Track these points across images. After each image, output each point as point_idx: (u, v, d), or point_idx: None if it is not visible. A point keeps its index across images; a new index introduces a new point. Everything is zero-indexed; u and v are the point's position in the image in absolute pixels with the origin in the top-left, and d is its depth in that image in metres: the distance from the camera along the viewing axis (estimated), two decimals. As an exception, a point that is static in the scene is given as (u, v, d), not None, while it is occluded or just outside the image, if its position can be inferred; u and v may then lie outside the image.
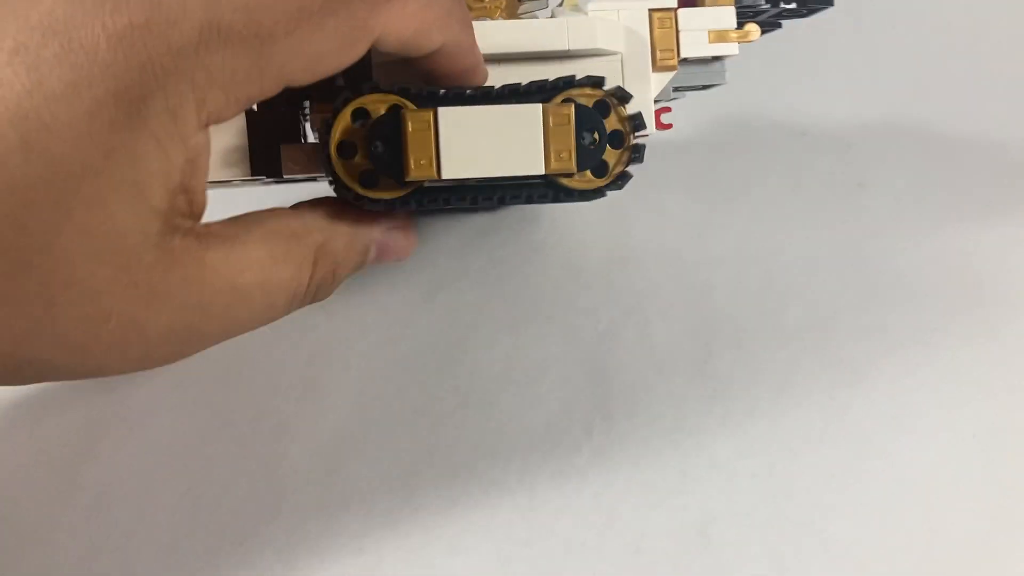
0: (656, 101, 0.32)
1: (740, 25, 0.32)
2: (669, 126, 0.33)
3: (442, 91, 0.27)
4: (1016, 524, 0.32)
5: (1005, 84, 0.58)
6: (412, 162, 0.26)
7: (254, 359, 0.36)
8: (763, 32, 0.34)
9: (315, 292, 0.25)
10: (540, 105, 0.26)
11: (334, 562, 0.30)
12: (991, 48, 0.58)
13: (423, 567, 0.30)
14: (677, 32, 0.31)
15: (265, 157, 0.29)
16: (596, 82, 0.28)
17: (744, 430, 0.35)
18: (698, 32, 0.31)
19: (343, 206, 0.27)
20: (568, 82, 0.27)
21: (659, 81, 0.31)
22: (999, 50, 0.58)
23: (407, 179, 0.26)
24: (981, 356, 0.39)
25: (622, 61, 0.30)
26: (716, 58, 0.33)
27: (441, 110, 0.26)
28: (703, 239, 0.45)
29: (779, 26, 0.35)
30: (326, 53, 0.22)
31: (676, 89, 0.34)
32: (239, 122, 0.29)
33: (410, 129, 0.26)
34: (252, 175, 0.30)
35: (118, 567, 0.29)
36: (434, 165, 0.26)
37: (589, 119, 0.27)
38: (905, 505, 0.33)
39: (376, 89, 0.27)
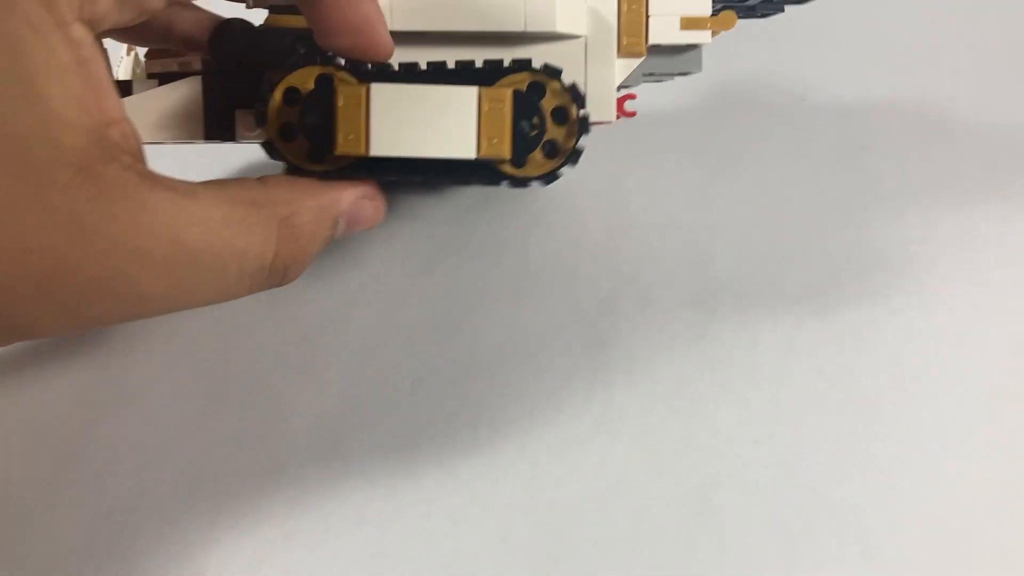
0: (624, 87, 0.31)
1: (716, 12, 0.30)
2: (633, 113, 0.32)
3: (371, 66, 0.26)
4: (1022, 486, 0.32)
5: (1007, 46, 0.57)
6: (341, 136, 0.25)
7: (252, 332, 0.35)
8: (764, 16, 0.33)
9: (283, 272, 0.23)
10: (476, 88, 0.26)
11: (336, 534, 0.30)
12: (993, 11, 0.57)
13: (425, 538, 0.30)
14: (647, 16, 0.29)
15: (220, 122, 0.29)
16: (524, 65, 0.26)
17: (746, 397, 0.35)
18: (670, 17, 0.30)
19: (310, 179, 0.26)
20: (497, 69, 0.26)
21: (625, 67, 0.30)
22: (1001, 14, 0.57)
23: (336, 153, 0.25)
24: (985, 319, 0.39)
25: (585, 45, 0.29)
26: (689, 46, 0.31)
27: (374, 86, 0.25)
28: (703, 206, 0.45)
29: (781, 10, 0.33)
30: None
31: (648, 75, 0.32)
32: (195, 85, 0.29)
33: (340, 103, 0.25)
34: (206, 139, 0.29)
35: (119, 541, 0.29)
36: (363, 141, 0.25)
37: (527, 105, 0.26)
38: (909, 469, 0.33)
39: (307, 61, 0.26)
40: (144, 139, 0.25)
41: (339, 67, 0.26)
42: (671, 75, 0.32)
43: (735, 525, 0.31)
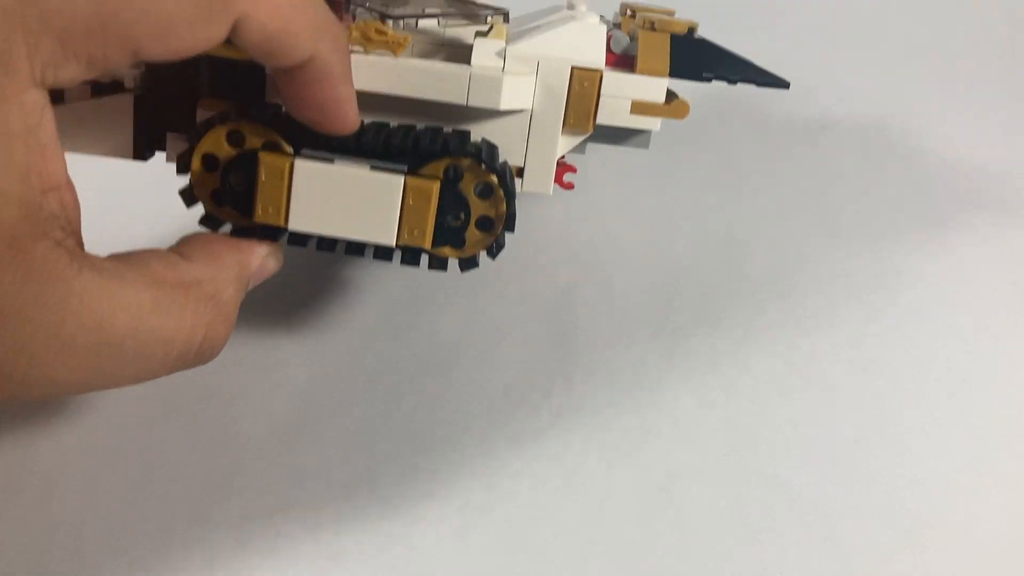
0: (562, 158, 0.30)
1: (671, 99, 0.29)
2: (570, 186, 0.31)
3: (309, 136, 0.25)
4: (985, 465, 0.32)
5: (969, 20, 0.57)
6: (260, 207, 0.25)
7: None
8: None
9: (210, 351, 0.23)
10: (403, 178, 0.25)
11: (289, 537, 0.29)
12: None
13: (382, 537, 0.30)
14: (598, 96, 0.28)
15: (150, 143, 0.28)
16: (455, 149, 0.26)
17: (705, 384, 0.35)
18: (622, 100, 0.28)
19: (224, 240, 0.25)
20: (445, 148, 0.26)
21: (568, 143, 0.29)
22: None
23: (255, 220, 0.25)
24: (948, 300, 0.39)
25: (531, 118, 0.28)
26: (637, 130, 0.30)
27: (298, 163, 0.25)
28: (663, 191, 0.44)
29: (734, 83, 0.32)
30: (179, 22, 0.19)
31: (592, 141, 0.31)
32: (127, 102, 0.28)
33: (263, 178, 0.25)
34: (134, 157, 0.28)
35: (68, 555, 0.29)
36: (282, 215, 0.25)
37: (455, 202, 0.26)
38: (870, 453, 0.33)
39: (210, 126, 0.26)
40: (73, 150, 0.24)
41: (249, 119, 0.26)
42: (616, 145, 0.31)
43: (695, 515, 0.31)
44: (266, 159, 0.25)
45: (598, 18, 0.31)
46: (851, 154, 0.47)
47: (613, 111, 0.28)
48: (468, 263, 0.27)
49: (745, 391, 0.35)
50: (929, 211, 0.44)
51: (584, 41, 0.29)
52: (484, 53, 0.27)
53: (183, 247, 0.24)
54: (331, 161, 0.25)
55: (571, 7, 0.32)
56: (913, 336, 0.37)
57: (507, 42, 0.28)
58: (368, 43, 0.26)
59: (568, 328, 0.37)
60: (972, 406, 0.34)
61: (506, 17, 0.31)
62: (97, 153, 0.27)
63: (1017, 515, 0.31)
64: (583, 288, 0.39)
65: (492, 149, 0.27)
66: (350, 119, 0.25)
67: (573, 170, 0.31)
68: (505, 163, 0.28)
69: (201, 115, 0.27)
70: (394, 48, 0.26)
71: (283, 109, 0.25)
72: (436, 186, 0.25)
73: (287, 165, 0.25)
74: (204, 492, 0.31)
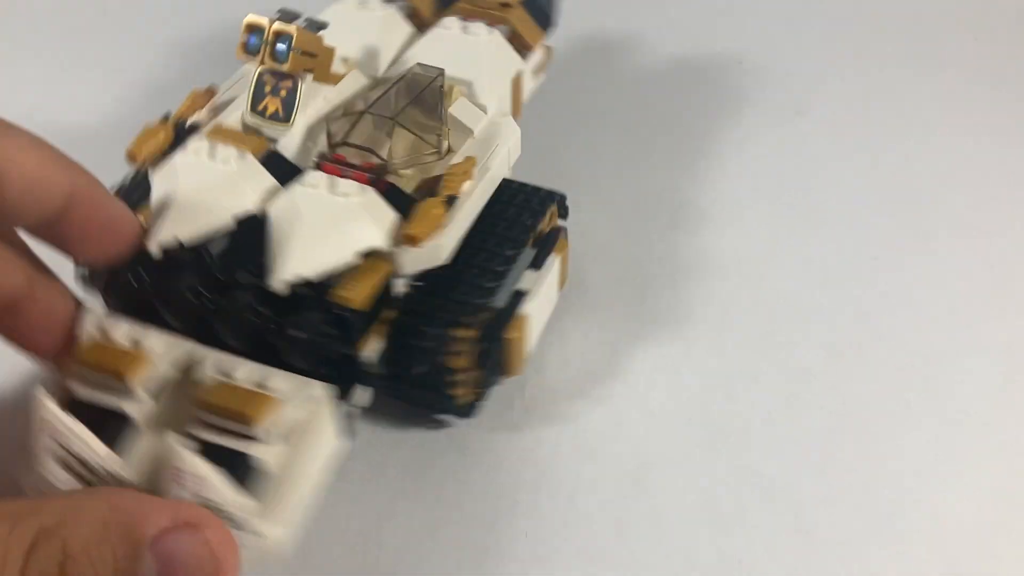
0: None
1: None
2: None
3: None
4: (959, 454, 0.32)
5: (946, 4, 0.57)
6: None
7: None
8: None
9: None
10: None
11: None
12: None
13: (353, 535, 0.30)
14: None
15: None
16: None
17: (679, 373, 0.35)
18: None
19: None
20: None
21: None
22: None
23: None
24: (925, 283, 0.39)
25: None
26: None
27: None
28: (637, 174, 0.44)
29: None
30: None
31: None
32: None
33: None
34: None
35: None
36: None
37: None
38: (842, 441, 0.33)
39: None
40: None
41: None
42: None
43: (668, 505, 0.30)
44: None
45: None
46: (825, 138, 0.47)
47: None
48: None
49: (718, 380, 0.35)
50: (905, 196, 0.43)
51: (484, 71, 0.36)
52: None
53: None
54: None
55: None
56: (887, 323, 0.37)
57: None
58: None
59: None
60: (947, 394, 0.34)
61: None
62: None
63: (989, 503, 0.31)
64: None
65: None
66: (134, 231, 0.27)
67: None
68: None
69: None
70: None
71: None
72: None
73: None
74: None
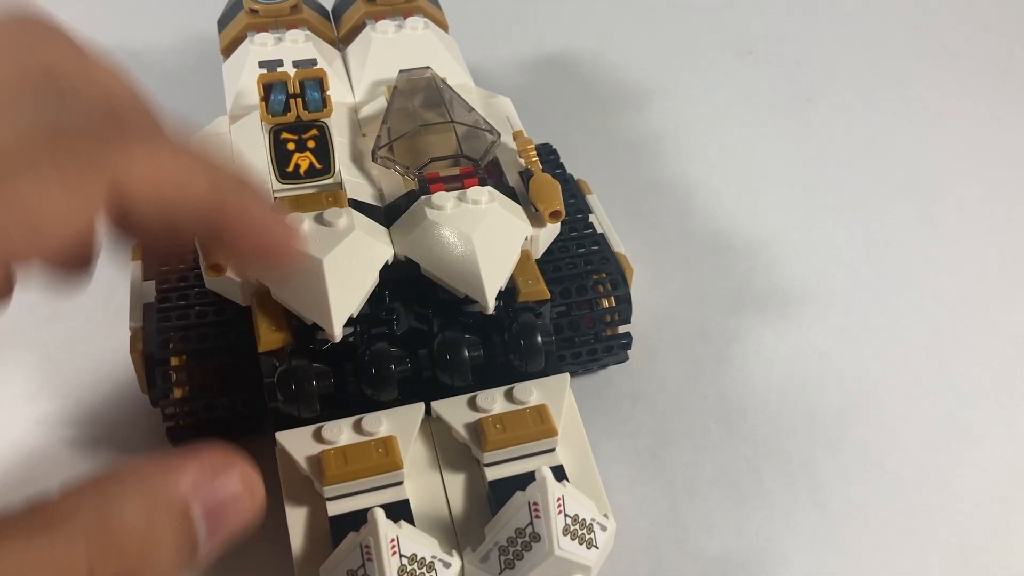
0: None
1: None
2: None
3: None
4: (969, 429, 0.33)
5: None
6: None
7: None
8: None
9: None
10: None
11: None
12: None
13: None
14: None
15: None
16: None
17: (694, 352, 0.35)
18: None
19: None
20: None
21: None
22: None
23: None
24: (929, 260, 0.39)
25: None
26: None
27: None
28: (647, 162, 0.44)
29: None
30: (49, 210, 0.17)
31: None
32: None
33: None
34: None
35: None
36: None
37: None
38: (858, 420, 0.33)
39: None
40: None
41: None
42: None
43: (686, 481, 0.31)
44: None
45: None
46: (836, 126, 0.47)
47: None
48: None
49: (734, 359, 0.35)
50: (915, 181, 0.44)
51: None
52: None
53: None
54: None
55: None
56: (900, 305, 0.37)
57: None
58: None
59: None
60: (960, 374, 0.35)
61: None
62: None
63: (1002, 479, 0.31)
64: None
65: None
66: (289, 238, 0.23)
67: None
68: None
69: None
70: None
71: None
72: None
73: None
74: None
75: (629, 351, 0.33)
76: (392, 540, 0.23)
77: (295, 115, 0.28)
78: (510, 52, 0.52)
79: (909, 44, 0.54)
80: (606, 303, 0.32)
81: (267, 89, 0.27)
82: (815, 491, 0.31)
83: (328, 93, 0.30)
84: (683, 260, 0.39)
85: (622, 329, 0.33)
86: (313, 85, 0.28)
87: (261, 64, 0.33)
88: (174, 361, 0.28)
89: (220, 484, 0.18)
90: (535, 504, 0.24)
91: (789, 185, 0.43)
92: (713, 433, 0.32)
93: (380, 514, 0.23)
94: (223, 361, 0.28)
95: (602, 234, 0.33)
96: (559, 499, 0.24)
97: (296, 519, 0.26)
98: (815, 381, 0.34)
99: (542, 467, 0.24)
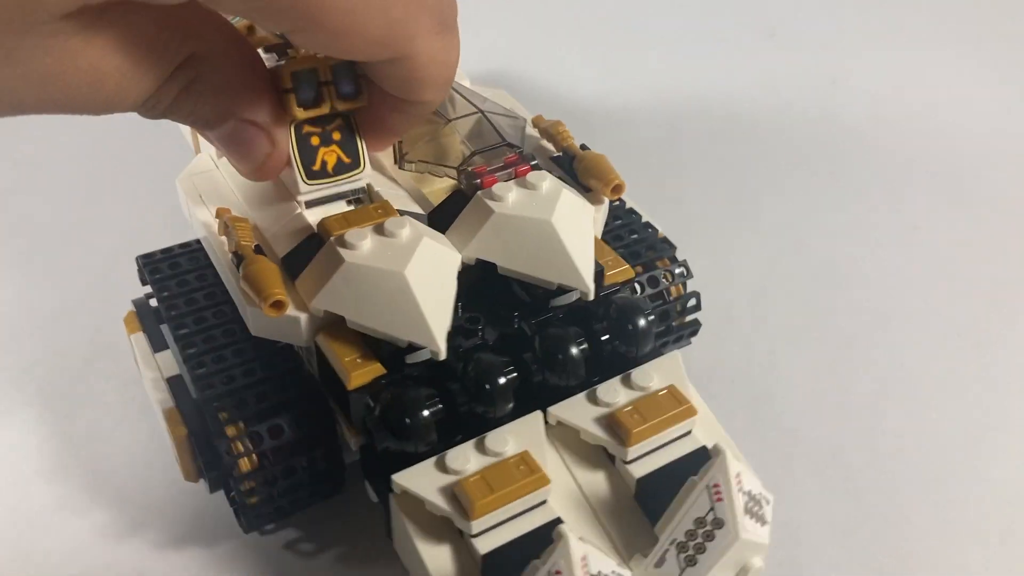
0: None
1: None
2: None
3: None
4: (1002, 417, 0.31)
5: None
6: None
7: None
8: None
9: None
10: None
11: None
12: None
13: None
14: None
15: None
16: None
17: (720, 338, 0.34)
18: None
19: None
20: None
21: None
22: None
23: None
24: (961, 245, 0.38)
25: None
26: None
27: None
28: (672, 143, 0.43)
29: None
30: None
31: None
32: None
33: None
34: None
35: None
36: None
37: None
38: (890, 408, 0.32)
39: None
40: None
41: None
42: None
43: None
44: None
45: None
46: (863, 107, 0.46)
47: None
48: None
49: (761, 345, 0.34)
50: (946, 168, 0.43)
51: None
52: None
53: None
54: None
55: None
56: (931, 291, 0.36)
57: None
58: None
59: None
60: (992, 361, 0.33)
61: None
62: None
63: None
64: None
65: None
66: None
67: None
68: None
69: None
70: None
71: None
72: None
73: None
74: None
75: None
76: (583, 559, 0.20)
77: (330, 106, 0.24)
78: (509, 38, 0.51)
79: (935, 26, 0.52)
80: (674, 292, 0.30)
81: (294, 80, 0.24)
82: (847, 480, 0.29)
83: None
84: (709, 243, 0.38)
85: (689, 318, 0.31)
86: (345, 72, 0.24)
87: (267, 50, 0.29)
88: (230, 431, 0.25)
89: (252, 130, 0.23)
90: (716, 486, 0.21)
91: (814, 169, 0.42)
92: (739, 418, 0.31)
93: (570, 534, 0.20)
94: (295, 416, 0.25)
95: (647, 222, 0.32)
96: (737, 476, 0.22)
97: (439, 564, 0.23)
98: (846, 366, 0.33)
99: (717, 443, 0.22)
